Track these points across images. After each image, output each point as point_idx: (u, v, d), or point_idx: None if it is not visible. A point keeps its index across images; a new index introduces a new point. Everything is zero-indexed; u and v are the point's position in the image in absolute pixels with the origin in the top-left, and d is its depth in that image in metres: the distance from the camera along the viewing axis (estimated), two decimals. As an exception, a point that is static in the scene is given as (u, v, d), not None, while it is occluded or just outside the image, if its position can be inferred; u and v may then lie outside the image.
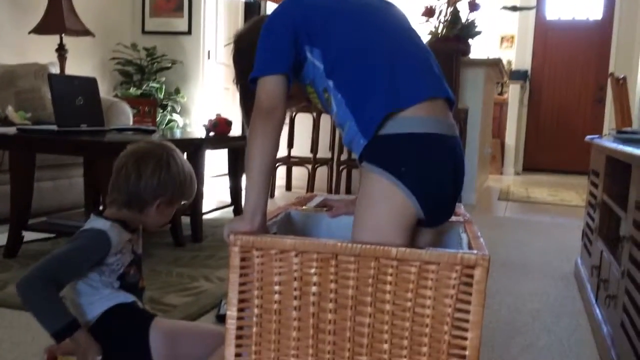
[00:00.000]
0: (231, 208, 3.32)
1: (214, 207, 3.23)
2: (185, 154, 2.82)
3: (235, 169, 3.28)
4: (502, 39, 7.66)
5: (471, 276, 0.85)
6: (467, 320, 0.86)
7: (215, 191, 4.37)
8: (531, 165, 7.40)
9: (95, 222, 1.27)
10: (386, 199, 1.02)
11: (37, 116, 3.47)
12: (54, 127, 2.42)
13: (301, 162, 4.51)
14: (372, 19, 1.14)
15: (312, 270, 0.88)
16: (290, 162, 4.60)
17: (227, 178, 3.38)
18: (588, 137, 2.28)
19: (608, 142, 1.80)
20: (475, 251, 0.89)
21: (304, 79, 1.16)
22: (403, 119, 1.03)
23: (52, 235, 2.60)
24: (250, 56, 1.13)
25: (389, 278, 0.87)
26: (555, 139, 7.33)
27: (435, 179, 1.04)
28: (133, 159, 1.31)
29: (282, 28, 1.11)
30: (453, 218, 1.17)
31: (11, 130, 2.57)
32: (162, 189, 1.30)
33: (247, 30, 1.29)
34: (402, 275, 0.87)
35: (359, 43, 1.10)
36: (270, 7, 5.95)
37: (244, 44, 1.26)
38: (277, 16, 1.14)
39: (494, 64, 4.73)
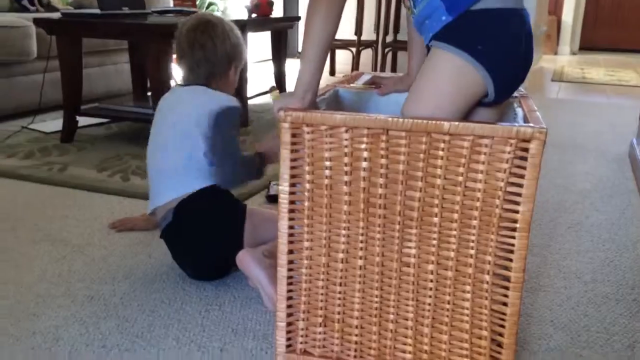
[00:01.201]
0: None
1: (258, 92, 3.22)
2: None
3: (279, 53, 3.21)
4: None
5: (526, 150, 0.83)
6: (519, 194, 0.85)
7: (258, 76, 4.34)
8: (589, 44, 6.98)
9: (221, 97, 1.31)
10: (455, 75, 0.98)
11: (78, 0, 3.44)
12: (97, 11, 2.40)
13: (344, 44, 4.38)
14: None
15: (363, 146, 0.88)
16: (333, 44, 4.47)
17: (270, 63, 3.33)
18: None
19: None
20: (531, 124, 0.86)
21: None
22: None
23: (104, 120, 2.67)
24: None
25: (441, 153, 0.86)
26: (615, 15, 6.83)
27: (511, 57, 1.00)
28: (200, 31, 1.33)
29: None
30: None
31: (55, 14, 2.56)
32: (234, 51, 1.36)
33: None
34: (454, 149, 0.86)
35: None
36: None
37: None
38: None
39: None
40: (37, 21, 2.38)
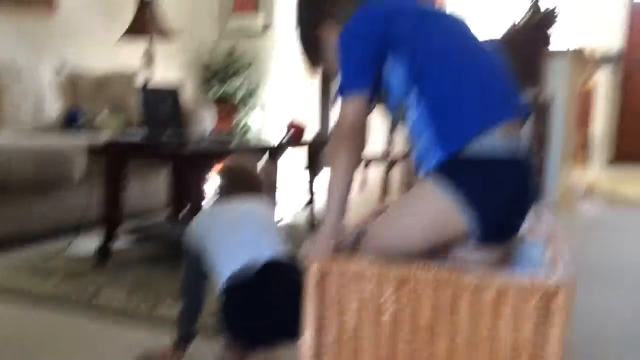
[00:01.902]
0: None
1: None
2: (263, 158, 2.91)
3: (313, 166, 3.32)
4: (590, 22, 7.25)
5: (551, 300, 0.83)
6: (545, 349, 0.84)
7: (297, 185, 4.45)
8: (622, 156, 6.98)
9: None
10: (436, 213, 1.00)
11: (128, 120, 3.66)
12: (141, 135, 2.56)
13: (375, 160, 4.46)
14: (455, 26, 1.12)
15: (388, 294, 0.89)
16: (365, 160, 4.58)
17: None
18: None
19: None
20: (557, 273, 0.86)
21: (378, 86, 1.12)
22: (486, 140, 0.99)
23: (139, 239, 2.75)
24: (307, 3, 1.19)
25: (464, 305, 0.87)
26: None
27: (501, 205, 1.01)
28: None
29: (366, 37, 1.07)
30: (535, 230, 1.14)
31: (101, 138, 2.73)
32: None
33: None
34: (477, 303, 0.86)
35: (449, 48, 1.07)
36: None
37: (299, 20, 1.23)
38: (359, 23, 1.09)
39: (579, 53, 4.50)
40: (88, 146, 2.55)
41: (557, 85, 4.21)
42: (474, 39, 1.13)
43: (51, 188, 2.85)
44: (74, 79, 3.67)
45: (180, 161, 2.46)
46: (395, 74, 1.08)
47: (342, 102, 1.07)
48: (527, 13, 4.30)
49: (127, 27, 4.01)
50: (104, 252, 2.50)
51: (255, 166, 1.74)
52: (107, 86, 3.77)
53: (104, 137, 2.83)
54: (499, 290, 0.85)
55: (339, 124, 1.07)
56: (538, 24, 4.29)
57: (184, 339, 1.49)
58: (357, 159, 1.07)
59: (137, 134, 2.71)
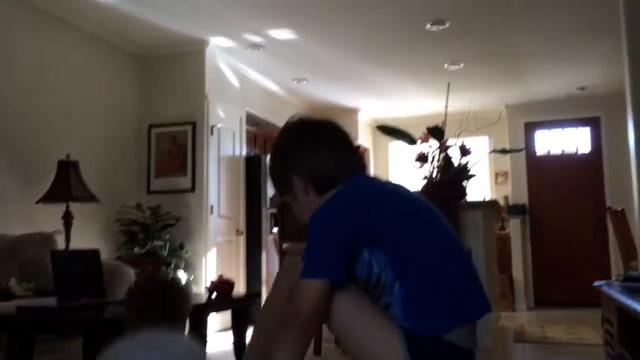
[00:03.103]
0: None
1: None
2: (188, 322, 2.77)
3: (240, 326, 3.19)
4: (497, 174, 7.89)
5: None
6: None
7: (218, 348, 4.22)
8: (542, 299, 7.23)
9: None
10: None
11: (41, 285, 3.44)
12: (54, 302, 2.40)
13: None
14: (432, 220, 1.20)
15: None
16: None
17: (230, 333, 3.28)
18: (596, 283, 2.26)
19: (617, 293, 1.77)
20: None
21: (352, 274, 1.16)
22: (455, 332, 1.10)
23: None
24: (277, 169, 1.28)
25: None
26: (562, 271, 7.23)
27: None
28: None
29: (339, 229, 1.11)
30: None
31: (10, 307, 2.54)
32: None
33: (276, 142, 1.34)
34: None
35: (427, 236, 1.15)
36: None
37: (272, 158, 1.34)
38: (334, 214, 1.14)
39: (491, 205, 4.82)
40: (-10, 317, 2.35)
41: (474, 234, 4.42)
42: (439, 217, 1.23)
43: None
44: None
45: (96, 330, 2.29)
46: (374, 262, 1.13)
47: (305, 286, 1.08)
48: (441, 169, 4.62)
49: (45, 190, 3.95)
50: None
51: (179, 284, 1.48)
52: (19, 250, 3.59)
53: (6, 306, 2.62)
54: None
55: (298, 306, 1.07)
56: (452, 179, 4.60)
57: None
58: (308, 344, 1.08)
59: (48, 300, 2.54)
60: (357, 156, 1.31)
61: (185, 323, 1.44)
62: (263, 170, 5.88)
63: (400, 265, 1.11)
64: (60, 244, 3.88)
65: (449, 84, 4.98)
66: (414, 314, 1.08)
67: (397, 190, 1.24)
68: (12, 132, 4.09)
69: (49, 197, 3.97)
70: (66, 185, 3.96)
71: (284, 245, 4.40)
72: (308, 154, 1.26)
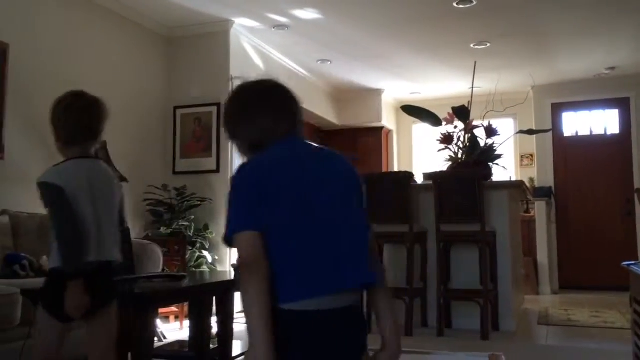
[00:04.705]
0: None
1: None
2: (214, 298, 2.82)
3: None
4: (522, 157, 7.80)
5: None
6: None
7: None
8: (567, 282, 7.16)
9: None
10: None
11: (71, 263, 3.54)
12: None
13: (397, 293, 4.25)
14: (311, 199, 1.25)
15: None
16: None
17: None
18: (624, 263, 2.23)
19: (645, 271, 1.75)
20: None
21: None
22: (314, 302, 1.17)
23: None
24: (227, 122, 1.41)
25: None
26: (588, 255, 7.14)
27: None
28: None
29: (247, 188, 1.24)
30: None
31: (41, 282, 2.61)
32: None
33: (227, 102, 1.46)
34: None
35: (291, 226, 1.22)
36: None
37: (225, 115, 1.45)
38: (244, 177, 1.28)
39: (517, 186, 4.77)
40: (23, 291, 2.42)
41: (499, 216, 4.39)
42: (337, 201, 1.28)
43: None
44: (16, 223, 3.58)
45: (128, 302, 2.35)
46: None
47: (235, 242, 1.20)
48: (467, 149, 4.59)
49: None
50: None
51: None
52: (50, 230, 3.68)
53: (40, 282, 2.70)
54: None
55: (240, 258, 1.19)
56: (478, 160, 4.57)
57: None
58: (263, 291, 1.15)
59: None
60: (287, 120, 1.38)
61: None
62: (287, 152, 5.90)
63: (269, 238, 1.21)
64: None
65: (475, 63, 4.92)
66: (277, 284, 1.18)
67: (295, 161, 1.31)
68: (42, 115, 4.14)
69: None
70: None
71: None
72: (237, 122, 1.40)
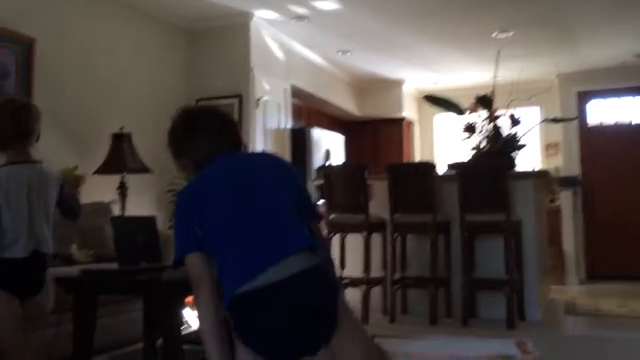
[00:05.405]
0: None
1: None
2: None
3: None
4: (547, 146, 7.69)
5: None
6: None
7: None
8: (595, 272, 7.05)
9: None
10: None
11: (99, 253, 3.60)
12: (115, 266, 2.51)
13: (354, 282, 4.43)
14: (238, 196, 1.40)
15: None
16: (343, 283, 4.53)
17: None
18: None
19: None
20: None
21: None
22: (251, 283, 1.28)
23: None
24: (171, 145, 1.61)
25: None
26: (616, 244, 7.02)
27: (259, 335, 1.29)
28: None
29: (181, 215, 1.42)
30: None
31: (74, 271, 2.67)
32: None
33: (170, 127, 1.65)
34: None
35: (220, 233, 1.36)
36: (315, 134, 6.23)
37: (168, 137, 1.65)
38: (180, 201, 1.46)
39: (542, 175, 4.71)
40: (57, 280, 2.47)
41: (524, 206, 4.34)
42: (264, 190, 1.43)
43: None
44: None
45: (155, 291, 2.39)
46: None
47: (186, 264, 1.38)
48: (491, 139, 4.55)
49: (101, 162, 4.09)
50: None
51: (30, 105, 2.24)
52: (80, 219, 3.73)
53: (74, 270, 2.76)
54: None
55: (189, 278, 1.38)
56: (502, 149, 4.52)
57: None
58: (209, 307, 1.33)
59: (111, 266, 2.66)
60: (222, 140, 1.55)
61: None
62: (308, 143, 5.91)
63: (210, 242, 1.37)
64: (116, 213, 4.03)
65: (498, 52, 4.87)
66: (220, 279, 1.33)
67: (226, 170, 1.47)
68: (67, 108, 4.24)
69: (105, 169, 4.10)
70: (120, 157, 4.09)
71: (331, 216, 4.44)
72: (177, 143, 1.60)
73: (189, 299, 4.38)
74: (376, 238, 4.40)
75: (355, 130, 7.78)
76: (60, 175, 2.24)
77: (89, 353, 2.42)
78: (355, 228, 4.36)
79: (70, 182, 2.33)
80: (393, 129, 7.84)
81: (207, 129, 1.54)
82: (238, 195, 1.39)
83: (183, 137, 1.56)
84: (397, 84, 7.66)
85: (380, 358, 1.37)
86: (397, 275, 4.33)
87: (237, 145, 1.58)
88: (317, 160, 6.14)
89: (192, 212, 1.38)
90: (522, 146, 4.61)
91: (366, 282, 4.32)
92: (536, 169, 6.32)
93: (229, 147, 1.54)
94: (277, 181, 1.45)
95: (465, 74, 7.24)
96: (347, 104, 7.46)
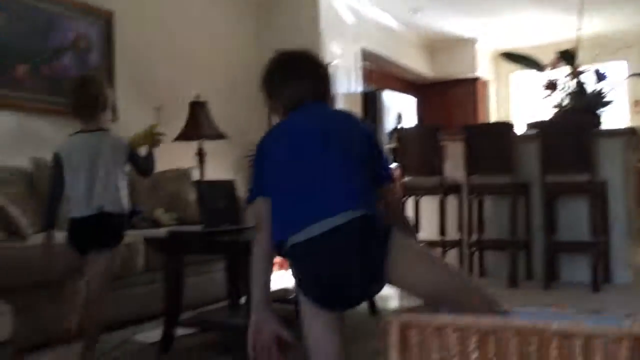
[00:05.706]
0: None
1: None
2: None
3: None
4: (635, 102, 7.23)
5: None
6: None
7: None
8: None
9: None
10: None
11: (181, 216, 3.76)
12: (198, 228, 2.61)
13: (429, 245, 4.41)
14: (297, 166, 1.44)
15: (471, 347, 0.85)
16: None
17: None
18: None
19: None
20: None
21: None
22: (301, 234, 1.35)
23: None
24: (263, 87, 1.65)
25: (554, 353, 0.82)
26: None
27: (315, 283, 1.35)
28: None
29: (258, 158, 1.51)
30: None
31: (162, 232, 2.81)
32: None
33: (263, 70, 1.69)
34: (567, 349, 0.81)
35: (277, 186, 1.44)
36: (386, 97, 6.16)
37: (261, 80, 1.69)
38: (257, 148, 1.54)
39: (630, 133, 4.44)
40: (147, 240, 2.62)
41: (611, 165, 4.12)
42: (322, 149, 1.45)
43: (115, 278, 2.90)
44: (132, 180, 3.82)
45: (237, 251, 2.48)
46: None
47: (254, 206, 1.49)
48: (574, 96, 4.33)
49: (180, 130, 4.23)
50: (166, 341, 2.48)
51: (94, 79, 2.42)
52: (162, 185, 3.91)
53: (161, 231, 2.91)
54: (588, 337, 0.80)
55: (255, 221, 1.51)
56: (586, 107, 4.30)
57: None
58: (262, 248, 1.43)
59: (195, 228, 2.77)
60: (312, 88, 1.58)
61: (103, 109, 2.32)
62: (380, 106, 5.86)
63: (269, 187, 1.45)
64: (196, 179, 4.18)
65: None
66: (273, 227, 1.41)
67: (298, 125, 1.51)
68: (149, 79, 4.40)
69: (184, 136, 4.25)
70: (198, 124, 4.22)
71: (405, 179, 4.41)
72: (271, 85, 1.64)
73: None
74: (451, 201, 4.34)
75: (427, 92, 7.63)
76: (127, 142, 2.42)
77: (179, 309, 2.55)
78: (429, 191, 4.32)
79: (149, 139, 2.54)
80: (466, 90, 7.62)
81: (302, 77, 1.59)
82: (298, 151, 1.45)
83: (278, 80, 1.61)
84: (470, 42, 7.42)
85: (459, 283, 1.34)
86: (473, 238, 4.26)
87: (325, 96, 1.60)
88: (389, 124, 6.09)
89: (262, 160, 1.48)
90: (608, 103, 4.36)
91: (442, 245, 4.29)
92: (623, 127, 5.96)
93: (317, 97, 1.57)
94: (345, 141, 1.46)
95: (544, 29, 6.89)
96: (418, 65, 7.31)
